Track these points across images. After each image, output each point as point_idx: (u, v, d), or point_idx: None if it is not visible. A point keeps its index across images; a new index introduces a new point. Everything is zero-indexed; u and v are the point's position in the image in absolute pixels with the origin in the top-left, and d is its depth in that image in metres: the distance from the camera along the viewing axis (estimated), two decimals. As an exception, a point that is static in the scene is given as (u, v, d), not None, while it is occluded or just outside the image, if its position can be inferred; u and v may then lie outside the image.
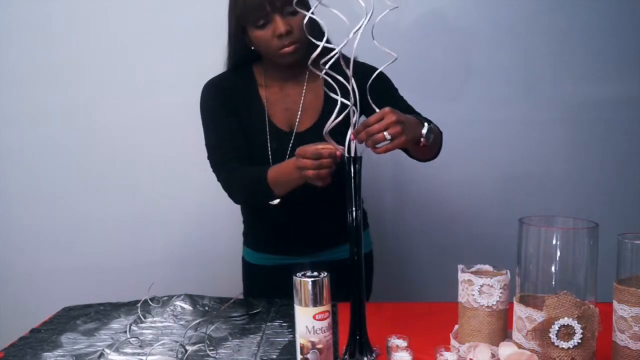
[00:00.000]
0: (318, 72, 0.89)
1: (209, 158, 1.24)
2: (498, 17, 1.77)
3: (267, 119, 1.23)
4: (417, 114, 1.23)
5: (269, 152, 1.22)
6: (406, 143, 0.95)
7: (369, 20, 0.85)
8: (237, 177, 1.19)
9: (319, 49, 0.88)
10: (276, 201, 1.17)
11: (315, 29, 1.09)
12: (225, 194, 1.35)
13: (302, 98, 1.24)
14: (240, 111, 1.24)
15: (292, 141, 1.22)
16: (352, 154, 0.89)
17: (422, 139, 1.00)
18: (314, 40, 0.90)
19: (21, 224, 1.86)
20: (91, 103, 1.78)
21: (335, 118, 0.87)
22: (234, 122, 1.23)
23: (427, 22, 1.77)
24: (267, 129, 1.23)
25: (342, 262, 1.22)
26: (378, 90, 1.00)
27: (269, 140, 1.23)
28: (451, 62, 1.79)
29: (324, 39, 0.87)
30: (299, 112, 1.24)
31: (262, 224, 1.32)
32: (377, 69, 0.97)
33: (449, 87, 1.80)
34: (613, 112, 1.80)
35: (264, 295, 1.23)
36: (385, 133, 0.90)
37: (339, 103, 0.88)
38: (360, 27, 0.85)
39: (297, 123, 1.23)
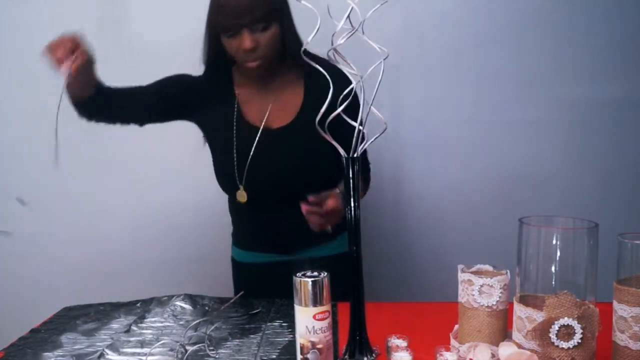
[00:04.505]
0: (311, 62, 0.88)
1: None
2: (498, 17, 1.77)
3: (236, 115, 1.25)
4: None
5: (234, 147, 1.25)
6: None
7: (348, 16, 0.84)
8: None
9: (306, 43, 0.88)
10: (244, 199, 1.25)
11: (293, 37, 1.11)
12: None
13: (278, 96, 1.26)
14: (211, 107, 1.27)
15: (259, 136, 1.24)
16: (351, 155, 0.88)
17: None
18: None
19: (21, 224, 1.86)
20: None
21: (325, 110, 0.86)
22: (161, 93, 1.29)
23: (427, 22, 1.77)
24: (235, 125, 1.25)
25: (328, 259, 1.25)
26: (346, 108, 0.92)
27: (235, 136, 1.25)
28: (451, 62, 1.79)
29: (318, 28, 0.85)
30: (269, 108, 1.25)
31: (248, 221, 1.34)
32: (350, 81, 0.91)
33: (448, 87, 1.80)
34: (613, 112, 1.80)
35: (252, 293, 1.24)
36: (329, 226, 1.11)
37: (329, 97, 0.86)
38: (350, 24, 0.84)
39: (265, 118, 1.24)
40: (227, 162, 1.25)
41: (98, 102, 1.22)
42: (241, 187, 1.25)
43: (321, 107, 0.85)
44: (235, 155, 1.25)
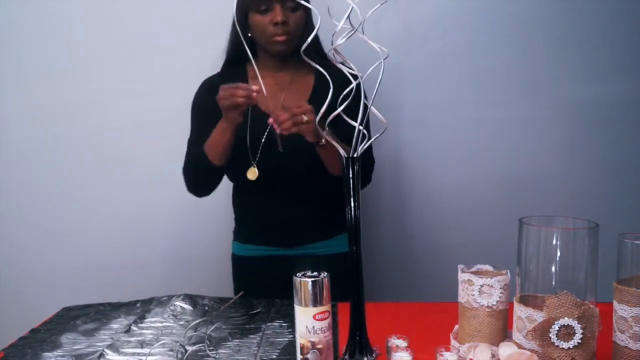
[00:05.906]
0: (310, 62, 0.89)
1: (186, 153, 1.34)
2: (498, 17, 1.77)
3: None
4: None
5: (247, 133, 1.28)
6: (313, 129, 1.13)
7: (349, 13, 0.83)
8: (185, 160, 1.33)
9: (311, 36, 0.89)
10: (255, 175, 1.27)
11: (311, 29, 1.11)
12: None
13: (290, 85, 1.31)
14: None
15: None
16: (351, 155, 0.88)
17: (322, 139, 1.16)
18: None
19: (21, 223, 1.86)
20: (90, 103, 1.78)
21: (327, 108, 0.86)
22: (210, 122, 1.28)
23: (427, 22, 1.77)
24: (249, 113, 1.27)
25: (328, 259, 1.25)
26: (353, 102, 0.92)
27: (249, 122, 1.28)
28: (451, 62, 1.79)
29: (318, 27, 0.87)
30: (282, 97, 1.29)
31: (252, 211, 1.36)
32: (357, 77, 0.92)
33: (449, 87, 1.80)
34: (613, 112, 1.80)
35: (251, 289, 1.24)
36: (304, 116, 1.10)
37: (329, 96, 0.87)
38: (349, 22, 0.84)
39: (281, 104, 1.28)
40: (240, 141, 1.28)
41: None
42: (254, 164, 1.29)
43: (332, 97, 0.85)
44: (248, 134, 1.29)
